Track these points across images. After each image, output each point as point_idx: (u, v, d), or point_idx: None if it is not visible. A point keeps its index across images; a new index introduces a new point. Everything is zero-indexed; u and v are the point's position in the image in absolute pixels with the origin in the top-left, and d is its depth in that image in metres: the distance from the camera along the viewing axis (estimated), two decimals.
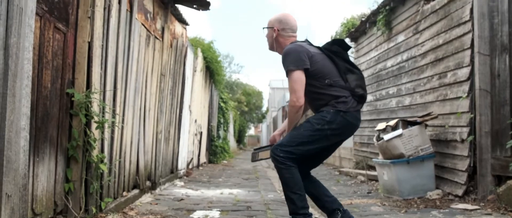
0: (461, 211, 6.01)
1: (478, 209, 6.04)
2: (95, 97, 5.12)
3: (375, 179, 9.48)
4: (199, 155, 15.55)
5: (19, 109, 3.42)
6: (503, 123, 6.13)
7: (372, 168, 10.42)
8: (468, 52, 6.89)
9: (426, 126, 7.77)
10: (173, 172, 10.32)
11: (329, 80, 4.71)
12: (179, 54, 10.15)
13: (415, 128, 7.46)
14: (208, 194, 8.32)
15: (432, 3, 8.34)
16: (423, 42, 8.52)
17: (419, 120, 7.66)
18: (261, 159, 5.21)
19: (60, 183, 4.73)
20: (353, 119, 4.68)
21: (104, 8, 5.42)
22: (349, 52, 5.31)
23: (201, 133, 15.72)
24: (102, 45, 5.40)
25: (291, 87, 4.67)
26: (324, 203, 4.82)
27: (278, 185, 10.09)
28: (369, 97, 11.70)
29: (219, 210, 6.45)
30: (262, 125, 69.40)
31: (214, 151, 19.19)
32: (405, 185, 7.36)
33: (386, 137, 7.56)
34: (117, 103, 6.08)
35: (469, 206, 6.18)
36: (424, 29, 8.54)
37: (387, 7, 10.16)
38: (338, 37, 17.85)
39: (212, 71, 16.96)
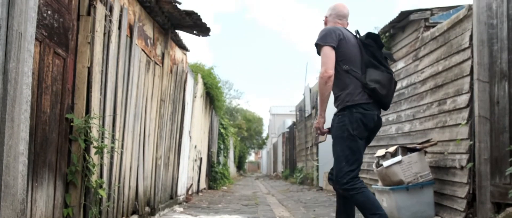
0: None
1: None
2: (95, 123, 5.12)
3: None
4: (198, 181, 15.49)
5: (17, 134, 3.42)
6: (503, 150, 6.12)
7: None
8: (468, 79, 6.90)
9: (426, 152, 7.75)
10: (172, 198, 10.28)
11: (347, 67, 5.00)
12: (179, 79, 10.17)
13: (415, 154, 7.45)
14: None
15: (431, 30, 8.37)
16: (423, 69, 8.53)
17: (418, 146, 7.65)
18: (321, 142, 5.41)
19: (59, 208, 4.71)
20: (368, 110, 4.93)
21: (104, 34, 5.45)
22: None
23: (201, 159, 15.69)
24: (102, 70, 5.42)
25: (321, 61, 4.98)
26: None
27: (277, 211, 10.05)
28: None
29: None
30: (263, 151, 69.30)
31: (214, 176, 19.12)
32: (405, 212, 7.32)
33: (386, 163, 7.54)
34: (117, 129, 6.08)
35: None
36: (423, 56, 8.57)
37: (387, 34, 10.20)
38: None
39: (212, 97, 16.98)
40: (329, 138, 5.26)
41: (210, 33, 9.29)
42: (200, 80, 14.22)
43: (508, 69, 6.08)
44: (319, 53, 5.05)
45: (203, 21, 8.64)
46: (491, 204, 6.31)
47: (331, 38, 4.94)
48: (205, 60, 72.25)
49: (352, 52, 5.02)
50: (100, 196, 5.32)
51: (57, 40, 4.53)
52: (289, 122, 35.27)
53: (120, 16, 6.10)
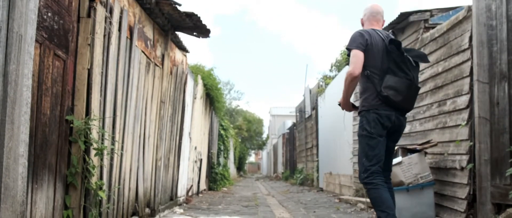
0: None
1: None
2: (94, 124, 5.13)
3: None
4: (199, 182, 15.50)
5: (17, 136, 3.42)
6: (503, 151, 6.12)
7: None
8: (467, 80, 6.91)
9: (426, 153, 7.75)
10: (172, 199, 10.28)
11: (368, 72, 5.33)
12: (179, 81, 10.17)
13: (415, 155, 7.45)
14: None
15: (431, 31, 8.37)
16: (423, 70, 8.53)
17: (418, 147, 7.65)
18: (356, 108, 5.79)
19: (59, 210, 4.72)
20: (381, 113, 5.27)
21: (104, 36, 5.45)
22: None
23: (201, 160, 15.69)
24: (102, 72, 5.43)
25: (350, 61, 5.31)
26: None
27: (277, 212, 10.05)
28: None
29: None
30: (263, 152, 69.32)
31: (214, 178, 19.12)
32: (405, 213, 7.32)
33: None
34: (117, 130, 6.08)
35: None
36: None
37: None
38: (338, 65, 17.92)
39: (212, 98, 16.99)
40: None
41: (210, 34, 9.30)
42: (200, 81, 14.23)
43: (508, 70, 6.08)
44: (349, 55, 5.40)
45: (203, 22, 8.65)
46: (491, 205, 6.31)
47: (358, 42, 5.26)
48: (205, 61, 72.34)
49: (374, 57, 5.30)
50: (100, 198, 5.32)
51: (57, 42, 4.53)
52: (289, 123, 35.30)
53: (120, 18, 6.11)
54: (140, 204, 7.31)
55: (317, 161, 19.14)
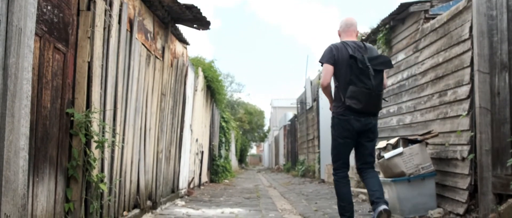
0: None
1: None
2: (95, 117, 5.13)
3: None
4: (200, 174, 15.51)
5: (18, 129, 3.42)
6: (504, 141, 6.12)
7: None
8: (468, 70, 6.90)
9: (427, 144, 7.75)
10: (174, 192, 10.30)
11: (337, 83, 6.17)
12: (180, 73, 10.17)
13: (416, 146, 7.45)
14: (209, 213, 8.29)
15: (431, 21, 8.36)
16: (423, 60, 8.53)
17: (419, 138, 7.64)
18: None
19: (60, 203, 4.73)
20: (349, 117, 6.05)
21: (104, 28, 5.45)
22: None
23: (202, 152, 15.70)
24: (102, 65, 5.42)
25: (321, 74, 6.25)
26: (370, 196, 6.04)
27: (279, 204, 10.06)
28: None
29: None
30: (264, 144, 69.25)
31: (216, 170, 19.14)
32: (406, 204, 7.33)
33: (387, 155, 7.54)
34: (117, 123, 6.09)
35: None
36: (424, 48, 8.56)
37: (387, 26, 10.19)
38: None
39: (213, 90, 16.98)
40: None
41: (210, 27, 9.29)
42: (200, 73, 14.22)
43: (509, 60, 6.07)
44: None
45: (203, 14, 8.64)
46: (492, 195, 6.31)
47: (329, 57, 6.11)
48: (205, 54, 72.12)
49: (341, 71, 6.08)
50: (101, 191, 5.33)
51: (57, 35, 4.53)
52: (290, 114, 35.25)
53: (120, 10, 6.10)
54: (141, 197, 7.32)
55: (319, 152, 19.14)
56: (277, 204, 10.05)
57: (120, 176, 6.35)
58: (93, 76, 5.14)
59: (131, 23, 6.63)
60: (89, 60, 5.08)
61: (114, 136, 5.88)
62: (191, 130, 12.96)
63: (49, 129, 4.42)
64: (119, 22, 6.09)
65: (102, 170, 5.48)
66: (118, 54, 6.03)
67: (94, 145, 5.12)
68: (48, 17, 4.34)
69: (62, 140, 4.70)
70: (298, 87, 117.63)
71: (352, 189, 11.72)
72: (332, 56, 6.07)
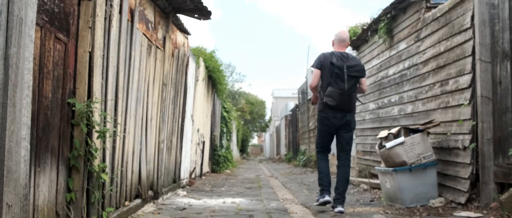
0: None
1: (481, 216, 6.01)
2: (96, 107, 5.13)
3: (377, 187, 9.45)
4: (201, 165, 15.53)
5: (19, 119, 3.42)
6: (505, 130, 6.12)
7: (375, 176, 10.40)
8: (470, 59, 6.88)
9: (428, 133, 7.74)
10: (175, 182, 10.31)
11: (321, 84, 7.44)
12: (181, 63, 10.16)
13: (417, 135, 7.45)
14: (210, 203, 8.31)
15: (433, 10, 8.34)
16: (425, 49, 8.51)
17: (421, 127, 7.64)
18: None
19: (62, 193, 4.73)
20: (328, 114, 7.31)
21: (105, 18, 5.44)
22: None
23: (203, 142, 15.71)
24: (103, 55, 5.41)
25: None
26: (334, 188, 7.35)
27: (280, 194, 10.08)
28: (372, 106, 11.70)
29: None
30: (265, 134, 69.32)
31: (217, 160, 19.16)
32: (408, 193, 7.34)
33: (388, 144, 7.54)
34: (119, 113, 6.08)
35: (472, 214, 6.15)
36: (425, 37, 8.54)
37: (388, 15, 10.16)
38: None
39: (214, 80, 16.97)
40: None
41: (211, 16, 9.27)
42: (202, 64, 14.20)
43: (510, 49, 6.06)
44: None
45: (204, 4, 8.62)
46: (494, 184, 6.32)
47: (317, 63, 7.40)
48: (206, 44, 72.05)
49: (324, 75, 7.29)
50: (102, 180, 5.33)
51: (58, 25, 4.52)
52: (291, 104, 35.25)
53: (121, 0, 6.09)
54: (143, 187, 7.33)
55: None
56: (278, 194, 10.07)
57: (122, 166, 6.36)
58: (94, 66, 5.13)
59: (132, 13, 6.62)
60: (90, 50, 5.07)
61: (115, 126, 5.88)
62: (193, 120, 12.96)
63: (51, 119, 4.42)
64: (120, 12, 6.07)
65: (103, 160, 5.48)
66: (119, 44, 6.02)
67: (95, 135, 5.12)
68: (49, 7, 4.33)
69: (63, 130, 4.70)
70: (299, 78, 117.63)
71: (353, 179, 11.78)
72: (320, 62, 7.34)
